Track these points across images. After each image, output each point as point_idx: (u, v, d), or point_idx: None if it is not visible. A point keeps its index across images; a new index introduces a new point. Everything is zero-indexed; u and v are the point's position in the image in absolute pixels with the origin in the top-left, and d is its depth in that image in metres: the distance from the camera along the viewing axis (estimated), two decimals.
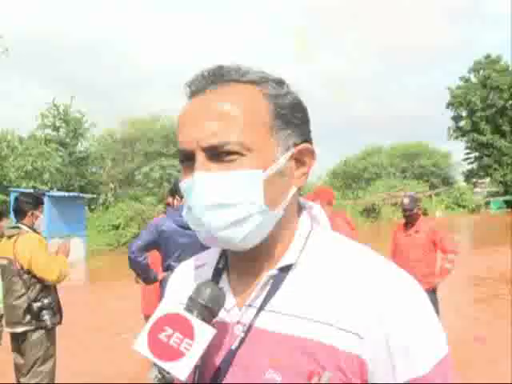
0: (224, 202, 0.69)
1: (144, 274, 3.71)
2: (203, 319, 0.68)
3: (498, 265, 11.36)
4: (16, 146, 21.25)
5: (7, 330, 3.61)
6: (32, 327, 3.50)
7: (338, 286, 0.70)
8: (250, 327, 0.72)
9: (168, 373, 0.61)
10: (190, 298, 0.71)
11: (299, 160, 0.77)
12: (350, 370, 0.66)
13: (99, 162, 25.72)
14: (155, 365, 0.63)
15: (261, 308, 0.73)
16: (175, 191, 3.92)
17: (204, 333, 0.67)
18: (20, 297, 3.49)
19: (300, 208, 0.82)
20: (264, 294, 0.73)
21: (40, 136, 22.62)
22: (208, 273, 0.82)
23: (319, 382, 0.66)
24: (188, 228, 4.00)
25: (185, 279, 0.87)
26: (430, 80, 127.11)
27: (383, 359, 0.66)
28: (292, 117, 0.75)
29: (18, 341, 3.55)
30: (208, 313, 0.70)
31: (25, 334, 3.50)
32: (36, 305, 3.48)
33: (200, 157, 0.70)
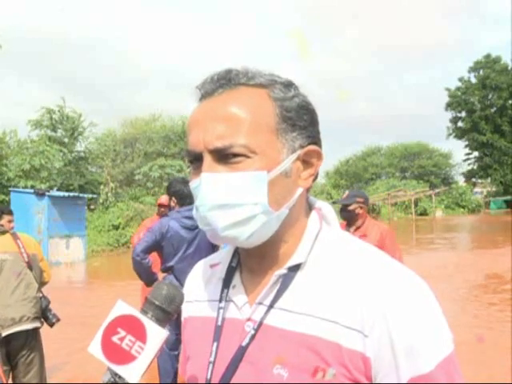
0: (229, 203, 0.71)
1: (147, 276, 3.63)
2: (157, 321, 0.67)
3: (498, 265, 11.32)
4: (14, 146, 21.21)
5: (25, 327, 3.25)
6: (40, 324, 3.40)
7: (345, 284, 0.72)
8: (260, 324, 0.74)
9: (119, 376, 0.60)
10: (146, 299, 0.70)
11: (306, 161, 0.78)
12: (354, 367, 0.67)
13: (99, 161, 25.65)
14: (109, 368, 0.62)
15: (271, 306, 0.74)
16: (172, 193, 3.85)
17: (156, 335, 0.65)
18: (37, 290, 3.38)
19: (310, 208, 0.82)
20: (274, 292, 0.75)
21: (38, 135, 22.52)
22: (222, 271, 0.84)
23: (323, 378, 0.66)
24: (192, 229, 3.84)
25: (199, 278, 0.89)
26: (429, 80, 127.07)
27: (387, 357, 0.67)
28: (298, 119, 0.76)
29: (25, 340, 3.27)
30: (163, 314, 0.69)
31: (37, 329, 3.36)
32: (44, 301, 3.40)
33: (207, 158, 0.73)
